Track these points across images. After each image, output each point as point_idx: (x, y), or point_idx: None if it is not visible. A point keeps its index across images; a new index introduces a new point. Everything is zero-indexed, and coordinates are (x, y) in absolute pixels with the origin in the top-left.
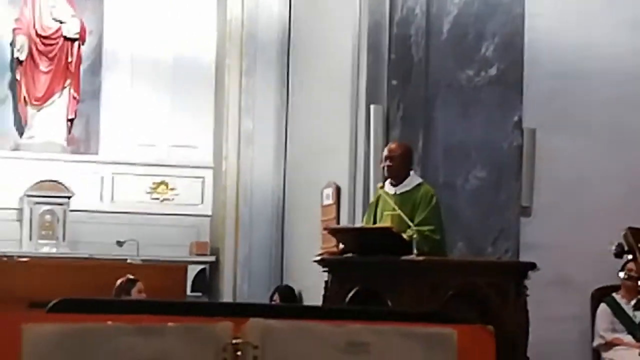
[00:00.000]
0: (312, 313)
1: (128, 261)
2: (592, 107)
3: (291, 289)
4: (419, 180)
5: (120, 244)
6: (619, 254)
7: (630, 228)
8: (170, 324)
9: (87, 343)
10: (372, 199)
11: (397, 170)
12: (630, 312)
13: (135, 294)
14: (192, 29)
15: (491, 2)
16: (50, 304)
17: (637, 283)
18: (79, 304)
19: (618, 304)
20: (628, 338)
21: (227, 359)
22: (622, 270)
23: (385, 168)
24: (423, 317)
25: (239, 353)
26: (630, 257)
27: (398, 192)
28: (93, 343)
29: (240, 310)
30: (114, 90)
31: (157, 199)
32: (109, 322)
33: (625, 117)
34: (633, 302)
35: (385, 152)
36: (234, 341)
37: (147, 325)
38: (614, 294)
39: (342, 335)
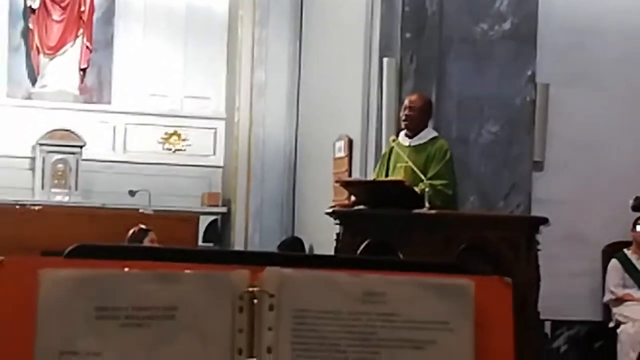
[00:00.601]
0: (327, 262)
1: (140, 211)
2: (606, 64)
3: (298, 240)
4: (435, 133)
5: (132, 193)
6: (637, 207)
7: None
8: (186, 271)
9: (104, 289)
10: (384, 150)
11: (415, 122)
12: None
13: (147, 244)
14: None
15: None
16: (68, 250)
17: None
18: (96, 250)
19: (629, 260)
20: (639, 294)
21: (243, 307)
22: (636, 224)
23: (404, 117)
24: (439, 267)
25: (255, 301)
26: None
27: (412, 144)
28: (110, 289)
29: (257, 259)
30: (127, 40)
31: (170, 149)
32: (126, 269)
33: (636, 74)
34: None
35: (406, 102)
36: (250, 289)
37: (164, 272)
38: (625, 250)
39: (359, 284)
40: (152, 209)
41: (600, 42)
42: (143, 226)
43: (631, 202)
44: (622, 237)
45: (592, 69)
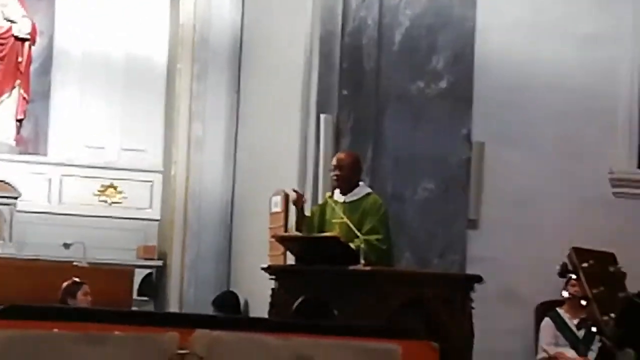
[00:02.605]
0: (259, 325)
1: (74, 264)
2: (540, 122)
3: (234, 295)
4: (368, 189)
5: (67, 246)
6: (563, 273)
7: (574, 248)
8: (116, 332)
9: (34, 350)
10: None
11: (346, 179)
12: (573, 326)
13: (80, 297)
14: (144, 32)
15: (443, 15)
16: None
17: (580, 302)
18: (26, 311)
19: (562, 319)
20: (571, 352)
21: None
22: (565, 289)
23: (334, 177)
24: (368, 331)
25: None
26: (574, 276)
27: (347, 201)
28: (40, 350)
29: (187, 321)
30: (64, 92)
31: (105, 201)
32: (56, 330)
33: (573, 132)
34: (576, 321)
35: (334, 162)
36: (180, 351)
37: (94, 334)
38: (558, 309)
39: (289, 348)
40: (87, 262)
41: (534, 101)
42: (77, 279)
43: (557, 268)
44: (555, 295)
45: (526, 127)
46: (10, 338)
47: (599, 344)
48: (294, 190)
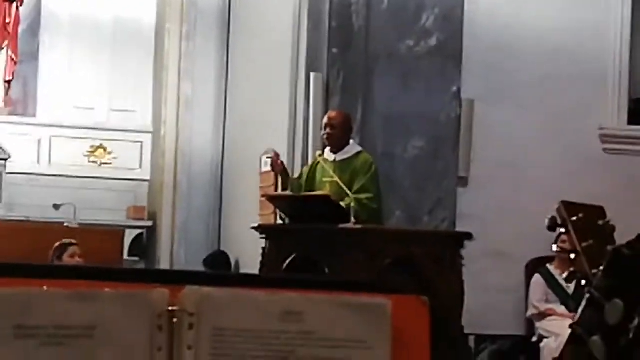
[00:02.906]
0: (248, 281)
1: (65, 225)
2: (529, 81)
3: (224, 255)
4: (359, 148)
5: (57, 207)
6: (552, 227)
7: (563, 202)
8: (106, 290)
9: (23, 308)
10: (310, 162)
11: (337, 138)
12: (563, 283)
13: (66, 259)
14: None
15: None
16: None
17: (569, 256)
18: (14, 269)
19: (552, 275)
20: (561, 308)
21: (162, 326)
22: (555, 243)
23: (325, 136)
24: (358, 286)
25: (175, 320)
26: (563, 230)
27: (337, 160)
28: (29, 308)
29: (177, 278)
30: (53, 53)
31: (95, 162)
32: (45, 288)
33: (563, 90)
34: (566, 274)
35: (325, 120)
36: (170, 308)
37: (83, 291)
38: (548, 265)
39: (278, 303)
40: (77, 223)
41: (520, 61)
42: (66, 241)
43: (546, 221)
44: (545, 252)
45: (515, 86)
46: (0, 296)
47: (587, 296)
48: (272, 155)
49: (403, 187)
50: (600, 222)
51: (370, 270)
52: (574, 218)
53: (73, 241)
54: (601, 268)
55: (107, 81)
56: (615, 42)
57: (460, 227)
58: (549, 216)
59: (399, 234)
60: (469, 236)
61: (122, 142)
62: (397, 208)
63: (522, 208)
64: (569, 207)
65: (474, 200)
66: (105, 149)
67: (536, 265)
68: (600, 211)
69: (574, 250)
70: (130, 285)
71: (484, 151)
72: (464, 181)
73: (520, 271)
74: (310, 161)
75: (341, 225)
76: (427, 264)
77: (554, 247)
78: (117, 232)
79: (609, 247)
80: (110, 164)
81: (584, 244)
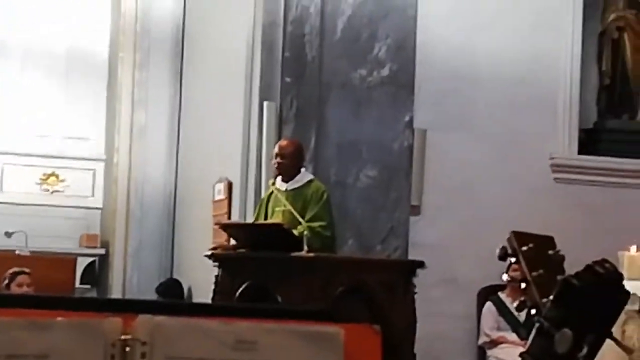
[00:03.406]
0: (201, 310)
1: (16, 252)
2: (481, 110)
3: (177, 283)
4: (310, 176)
5: (8, 234)
6: (503, 256)
7: (514, 232)
8: (59, 319)
9: None
10: (263, 194)
11: (287, 167)
12: (515, 311)
13: (13, 288)
14: (86, 20)
15: (385, 3)
16: None
17: (520, 285)
18: None
19: (503, 303)
20: (512, 336)
21: (115, 355)
22: (506, 272)
23: (276, 165)
24: (311, 315)
25: (127, 349)
26: (513, 260)
27: (289, 189)
28: None
29: (130, 307)
30: (5, 80)
31: (47, 190)
32: None
33: (514, 119)
34: (516, 302)
35: (276, 149)
36: (122, 337)
37: (36, 320)
38: (499, 293)
39: (231, 333)
40: (29, 251)
41: (475, 89)
42: (18, 269)
43: (497, 251)
44: (496, 280)
45: (467, 114)
46: None
47: (537, 325)
48: None
49: (356, 216)
50: (550, 252)
51: (324, 299)
52: (525, 248)
53: (26, 270)
54: (551, 298)
55: (60, 109)
56: (566, 72)
57: (412, 256)
58: (500, 246)
59: (351, 262)
60: (421, 264)
61: (75, 170)
62: (349, 236)
63: (474, 236)
64: (519, 237)
65: (426, 228)
66: (57, 177)
67: (488, 293)
68: (550, 241)
69: (524, 280)
70: (83, 314)
71: (437, 180)
72: (416, 210)
73: (472, 299)
74: (263, 189)
75: (294, 254)
76: (379, 292)
77: (505, 277)
78: (69, 260)
79: (559, 277)
80: (63, 191)
81: (534, 274)
